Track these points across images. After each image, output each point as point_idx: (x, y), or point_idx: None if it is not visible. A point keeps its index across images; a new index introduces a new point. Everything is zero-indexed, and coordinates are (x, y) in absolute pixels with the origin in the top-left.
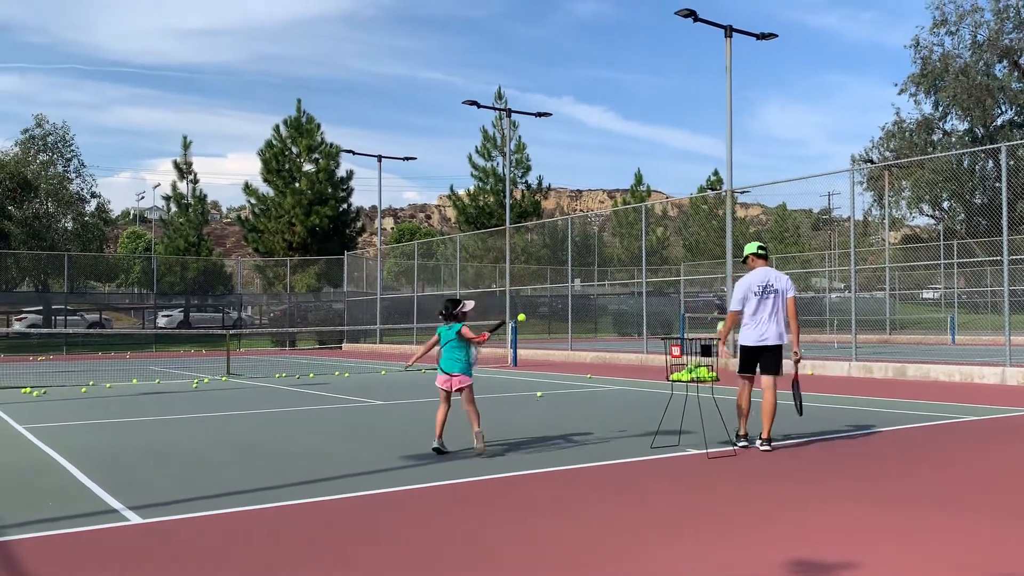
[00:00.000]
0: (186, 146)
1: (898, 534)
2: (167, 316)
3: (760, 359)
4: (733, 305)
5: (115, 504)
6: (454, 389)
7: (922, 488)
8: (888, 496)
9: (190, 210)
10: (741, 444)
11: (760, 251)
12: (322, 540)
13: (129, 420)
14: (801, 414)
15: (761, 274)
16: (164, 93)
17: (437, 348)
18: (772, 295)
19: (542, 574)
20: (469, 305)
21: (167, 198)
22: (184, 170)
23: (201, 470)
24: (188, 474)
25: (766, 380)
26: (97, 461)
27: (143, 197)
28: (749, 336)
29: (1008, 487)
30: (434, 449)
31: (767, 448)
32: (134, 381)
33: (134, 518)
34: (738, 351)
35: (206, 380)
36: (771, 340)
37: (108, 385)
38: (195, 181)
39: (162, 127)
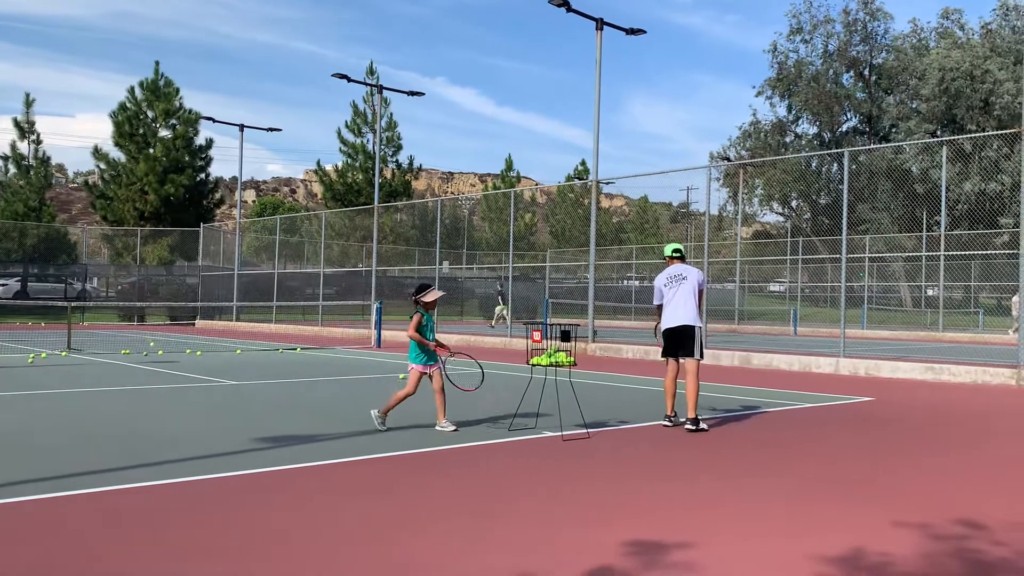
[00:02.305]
0: (29, 103)
1: (733, 515)
2: (2, 285)
3: (674, 341)
4: (655, 300)
5: None
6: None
7: (756, 471)
8: (725, 479)
9: (31, 172)
10: (667, 423)
11: (675, 254)
12: (159, 524)
13: None
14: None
15: (674, 268)
16: (4, 44)
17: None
18: (682, 283)
19: (371, 557)
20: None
21: (5, 158)
22: (26, 129)
23: (31, 451)
24: (15, 456)
25: (686, 364)
26: None
27: None
28: (664, 321)
29: (832, 470)
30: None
31: (692, 428)
32: None
33: None
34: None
35: (44, 355)
36: (678, 321)
37: None
38: (38, 141)
39: (1, 81)
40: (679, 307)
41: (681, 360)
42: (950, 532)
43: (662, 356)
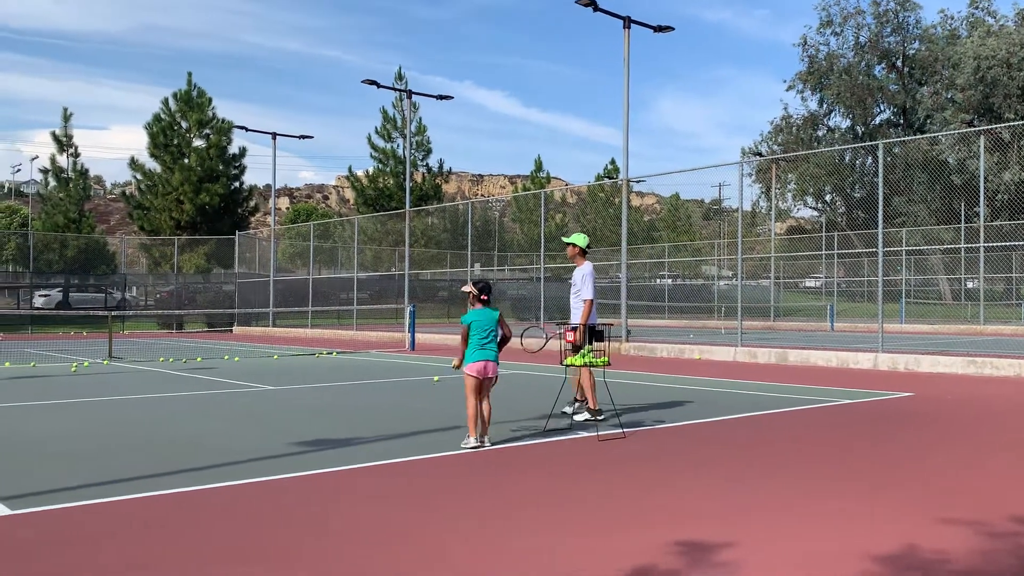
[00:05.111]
0: (66, 117)
1: (777, 513)
2: (45, 296)
3: (598, 337)
4: (592, 293)
5: None
6: (491, 375)
7: (799, 469)
8: (767, 477)
9: (71, 185)
10: (602, 417)
11: (588, 248)
12: (201, 528)
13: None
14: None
15: (592, 267)
16: (41, 60)
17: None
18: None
19: (408, 561)
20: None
21: (45, 171)
22: (64, 142)
23: (76, 458)
24: (62, 463)
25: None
26: None
27: (19, 170)
28: (595, 317)
29: (876, 467)
30: (474, 447)
31: (584, 418)
32: (7, 364)
33: (2, 509)
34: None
35: (86, 364)
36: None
37: None
38: (76, 154)
39: (39, 96)
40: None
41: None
42: (1003, 529)
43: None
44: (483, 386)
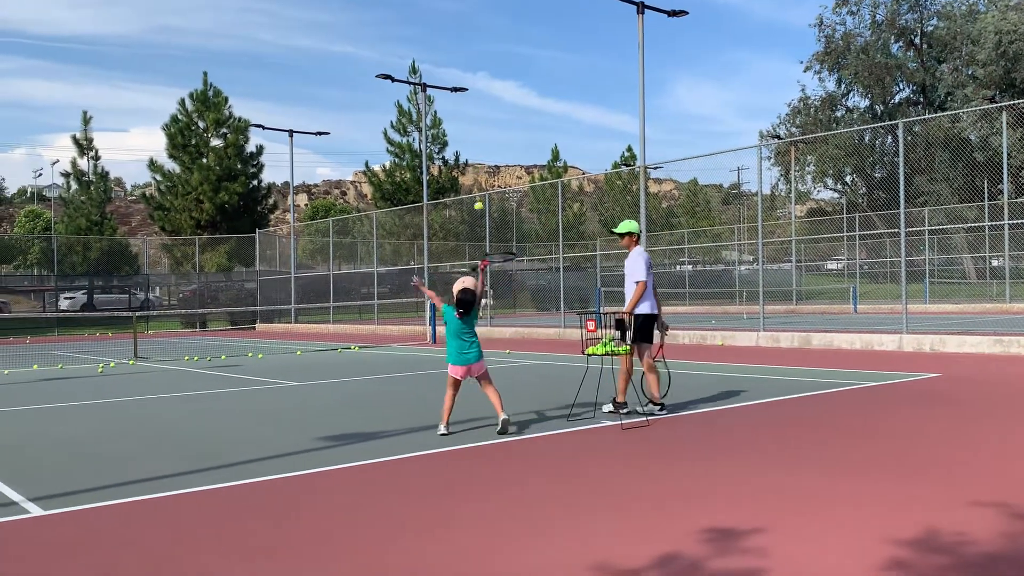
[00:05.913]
0: (86, 121)
1: (803, 499)
2: (70, 298)
3: (651, 327)
4: (643, 276)
5: (14, 496)
6: (474, 376)
7: (824, 454)
8: (793, 462)
9: (92, 187)
10: (625, 411)
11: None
12: (225, 526)
13: (29, 408)
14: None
15: (645, 252)
16: (59, 65)
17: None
18: (652, 272)
19: (439, 552)
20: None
21: (66, 175)
22: (84, 146)
23: (106, 458)
24: (92, 463)
25: (650, 349)
26: None
27: (41, 174)
28: (645, 306)
29: (902, 449)
30: (443, 434)
31: (662, 412)
32: (34, 367)
33: (35, 510)
34: (631, 322)
35: (112, 364)
36: (655, 309)
37: (6, 371)
38: (96, 157)
39: (59, 101)
40: (653, 296)
41: (645, 345)
42: None
43: (635, 342)
44: (477, 380)
